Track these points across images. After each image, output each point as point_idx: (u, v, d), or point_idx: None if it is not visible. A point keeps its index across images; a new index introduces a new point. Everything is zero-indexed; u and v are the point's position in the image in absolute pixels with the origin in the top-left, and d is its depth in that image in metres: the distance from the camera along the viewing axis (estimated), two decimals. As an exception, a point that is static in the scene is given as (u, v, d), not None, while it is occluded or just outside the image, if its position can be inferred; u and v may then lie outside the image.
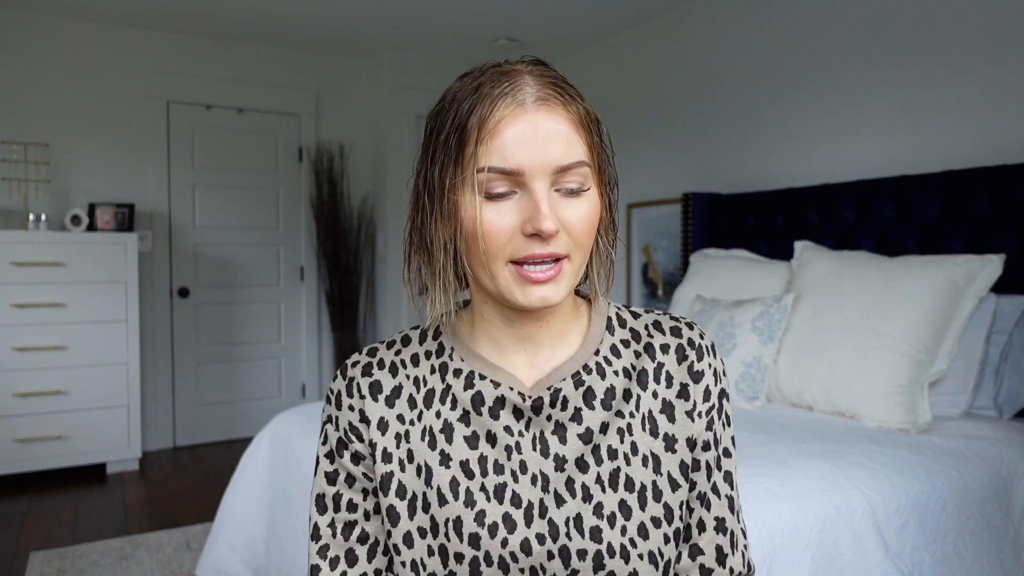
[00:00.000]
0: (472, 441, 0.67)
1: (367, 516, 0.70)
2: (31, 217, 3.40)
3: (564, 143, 0.61)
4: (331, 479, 0.71)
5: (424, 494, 0.67)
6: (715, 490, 0.69)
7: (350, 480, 0.70)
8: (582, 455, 0.66)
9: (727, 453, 0.70)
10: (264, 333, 4.32)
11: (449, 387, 0.69)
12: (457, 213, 0.63)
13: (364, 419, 0.69)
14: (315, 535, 0.71)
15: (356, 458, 0.70)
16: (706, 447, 0.69)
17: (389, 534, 0.67)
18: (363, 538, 0.70)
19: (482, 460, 0.66)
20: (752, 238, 2.88)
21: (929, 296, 1.87)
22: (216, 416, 4.17)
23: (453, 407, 0.68)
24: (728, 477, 0.70)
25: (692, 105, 3.40)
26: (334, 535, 0.70)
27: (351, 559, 0.70)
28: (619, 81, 3.87)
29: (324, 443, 0.72)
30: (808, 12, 2.82)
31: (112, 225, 3.54)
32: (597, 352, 0.69)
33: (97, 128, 3.78)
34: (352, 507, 0.70)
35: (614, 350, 0.70)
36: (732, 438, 0.72)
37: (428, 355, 0.71)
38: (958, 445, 1.67)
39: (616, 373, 0.68)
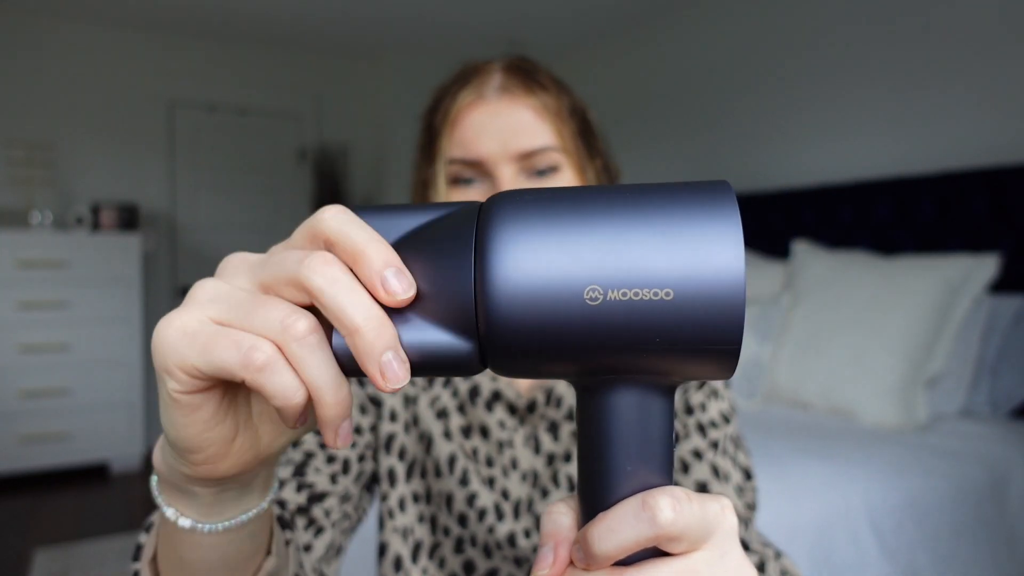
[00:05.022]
0: (466, 432, 0.68)
1: (359, 430, 0.68)
2: (35, 217, 3.43)
3: (528, 130, 0.61)
4: None
5: (424, 462, 0.68)
6: (696, 454, 0.65)
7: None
8: (571, 449, 0.67)
9: (712, 424, 0.66)
10: (266, 332, 4.33)
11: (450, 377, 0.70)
12: None
13: None
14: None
15: (361, 399, 0.69)
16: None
17: (385, 497, 0.68)
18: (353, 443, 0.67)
19: (475, 452, 0.67)
20: (750, 238, 2.90)
21: (926, 296, 1.88)
22: (218, 415, 4.19)
23: (453, 395, 0.69)
24: (715, 444, 0.65)
25: (690, 106, 3.42)
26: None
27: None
28: (617, 82, 3.88)
29: None
30: (805, 14, 2.83)
31: (115, 225, 3.55)
32: None
33: (101, 129, 3.79)
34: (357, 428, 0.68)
35: None
36: (722, 413, 0.67)
37: None
38: (954, 444, 1.69)
39: None
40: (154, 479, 0.36)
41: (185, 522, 0.35)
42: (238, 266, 0.30)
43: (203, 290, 0.29)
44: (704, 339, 0.26)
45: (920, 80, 2.43)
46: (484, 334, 0.27)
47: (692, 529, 0.27)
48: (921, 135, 2.44)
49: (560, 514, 0.31)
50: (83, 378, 3.38)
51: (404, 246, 0.29)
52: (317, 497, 0.60)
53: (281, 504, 0.58)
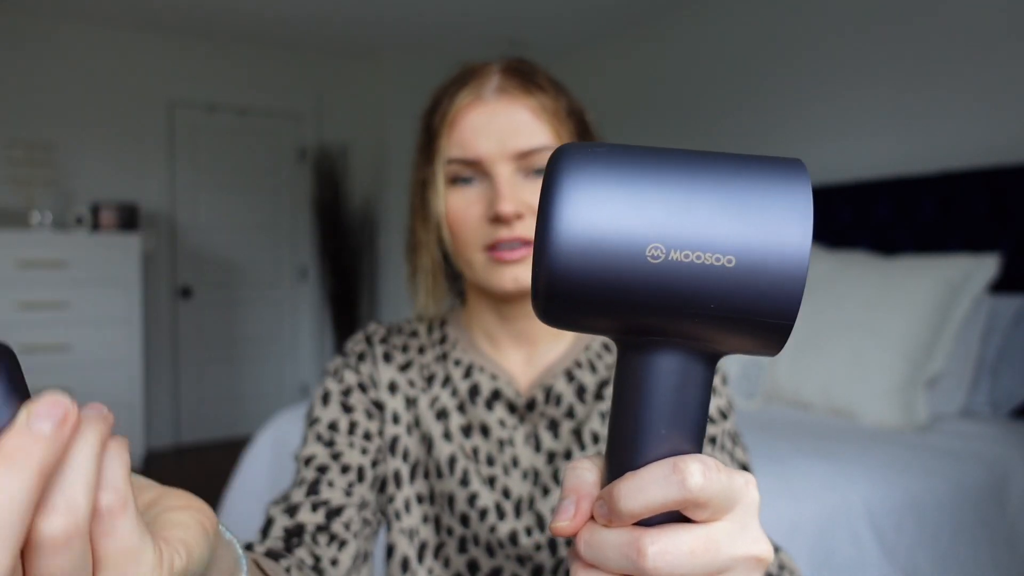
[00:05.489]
0: (466, 431, 0.68)
1: (368, 436, 0.68)
2: (35, 217, 3.42)
3: (525, 130, 0.62)
4: (346, 406, 0.69)
5: (426, 463, 0.69)
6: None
7: (356, 407, 0.69)
8: (571, 446, 0.67)
9: (710, 420, 0.65)
10: (266, 333, 4.33)
11: (449, 376, 0.70)
12: (436, 208, 0.65)
13: (374, 382, 0.71)
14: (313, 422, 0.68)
15: (367, 405, 0.70)
16: None
17: (392, 499, 0.68)
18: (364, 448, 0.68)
19: (475, 451, 0.68)
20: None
21: (926, 296, 1.88)
22: (218, 415, 4.19)
23: (453, 395, 0.70)
24: (713, 440, 0.64)
25: (690, 106, 3.42)
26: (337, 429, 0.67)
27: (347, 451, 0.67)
28: (617, 82, 3.88)
29: (339, 381, 0.71)
30: (806, 14, 2.83)
31: (115, 225, 3.55)
32: (588, 348, 0.70)
33: (101, 129, 3.79)
34: (353, 426, 0.68)
35: (605, 344, 0.71)
36: (720, 409, 0.67)
37: (433, 344, 0.73)
38: (954, 444, 1.69)
39: (608, 367, 0.70)
40: None
41: None
42: None
43: None
44: (759, 311, 0.26)
45: (920, 80, 2.43)
46: (542, 280, 0.27)
47: (717, 498, 0.27)
48: (921, 135, 2.44)
49: (584, 470, 0.31)
50: (83, 378, 3.38)
51: None
52: (334, 512, 0.61)
53: (300, 528, 0.59)
